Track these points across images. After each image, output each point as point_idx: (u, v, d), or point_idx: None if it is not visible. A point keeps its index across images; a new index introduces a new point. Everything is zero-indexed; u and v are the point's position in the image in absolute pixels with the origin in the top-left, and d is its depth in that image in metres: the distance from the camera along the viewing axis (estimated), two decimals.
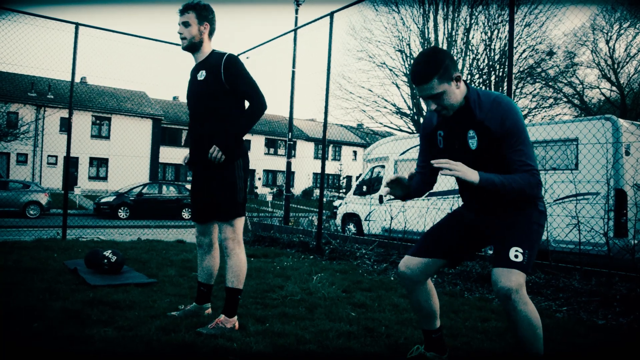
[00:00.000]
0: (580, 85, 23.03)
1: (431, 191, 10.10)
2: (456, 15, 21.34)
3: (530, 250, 2.15)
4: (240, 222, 3.11)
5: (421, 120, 21.24)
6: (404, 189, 2.43)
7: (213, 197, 3.08)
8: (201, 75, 3.08)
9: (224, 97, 3.04)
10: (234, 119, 3.03)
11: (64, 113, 28.38)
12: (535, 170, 2.12)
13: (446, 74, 2.10)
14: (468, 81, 21.26)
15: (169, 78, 66.89)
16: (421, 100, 2.73)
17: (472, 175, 2.07)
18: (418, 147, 10.30)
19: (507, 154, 2.14)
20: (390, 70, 22.95)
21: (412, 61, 21.94)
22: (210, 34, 3.18)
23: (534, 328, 2.13)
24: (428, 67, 2.10)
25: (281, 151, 40.47)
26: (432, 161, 2.12)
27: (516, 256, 2.12)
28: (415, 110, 22.65)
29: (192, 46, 3.14)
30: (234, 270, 3.05)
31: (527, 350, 2.18)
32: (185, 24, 3.10)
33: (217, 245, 3.34)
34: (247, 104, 3.11)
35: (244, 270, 3.09)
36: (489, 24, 20.60)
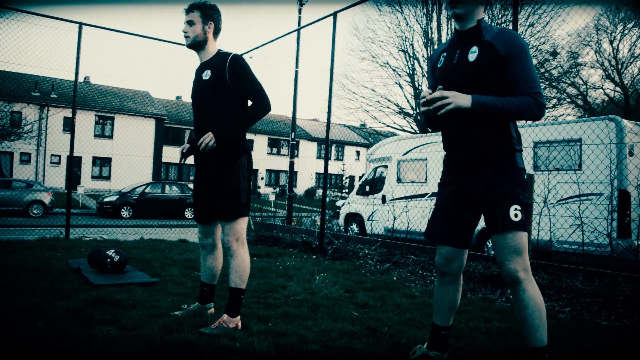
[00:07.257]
0: (584, 86, 23.00)
1: (434, 191, 10.01)
2: None
3: (525, 207, 2.24)
4: (243, 222, 3.10)
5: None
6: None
7: (216, 197, 3.08)
8: (206, 75, 3.08)
9: (228, 97, 3.04)
10: (235, 115, 3.04)
11: (68, 112, 28.45)
12: (540, 93, 2.21)
13: None
14: None
15: (172, 78, 67.02)
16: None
17: (464, 101, 2.17)
18: (421, 147, 10.34)
19: (513, 79, 2.23)
20: (394, 70, 22.97)
21: (415, 61, 22.03)
22: (215, 33, 3.18)
23: (539, 309, 2.18)
24: None
25: (284, 151, 40.48)
26: (426, 96, 2.20)
27: (516, 215, 2.20)
28: (418, 111, 22.62)
29: (196, 45, 3.14)
30: (237, 271, 3.05)
31: (532, 337, 2.18)
32: (190, 23, 3.11)
33: (220, 246, 3.34)
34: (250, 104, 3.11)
35: (247, 271, 3.09)
36: (493, 24, 20.56)
